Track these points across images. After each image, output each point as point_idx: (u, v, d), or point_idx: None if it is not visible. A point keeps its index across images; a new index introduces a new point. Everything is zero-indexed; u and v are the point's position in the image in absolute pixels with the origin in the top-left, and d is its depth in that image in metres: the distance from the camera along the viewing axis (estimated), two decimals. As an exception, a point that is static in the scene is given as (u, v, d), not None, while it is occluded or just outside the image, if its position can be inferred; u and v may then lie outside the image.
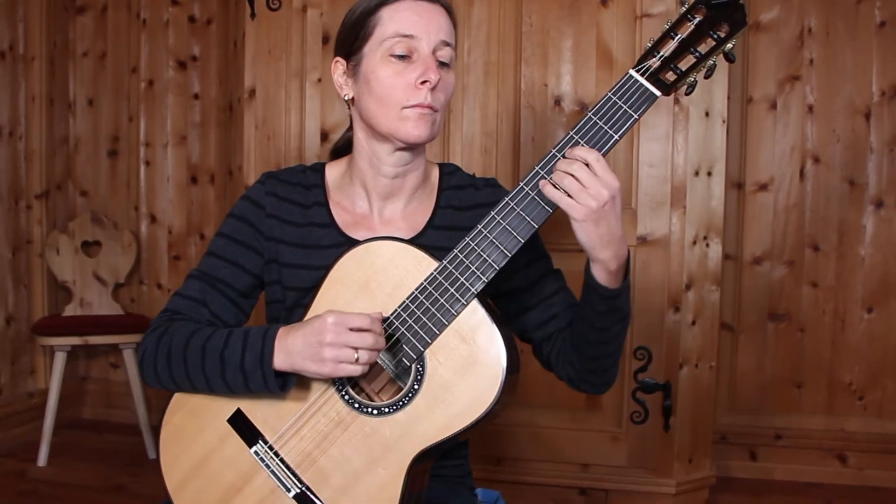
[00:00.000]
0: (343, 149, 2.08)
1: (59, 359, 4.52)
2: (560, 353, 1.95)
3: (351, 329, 1.66)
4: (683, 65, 1.66)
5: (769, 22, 4.34)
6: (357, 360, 1.65)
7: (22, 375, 4.88)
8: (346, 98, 1.96)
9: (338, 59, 1.96)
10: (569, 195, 1.63)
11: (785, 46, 4.35)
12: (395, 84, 1.83)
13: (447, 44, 1.86)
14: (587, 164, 1.63)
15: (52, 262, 4.93)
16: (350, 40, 1.91)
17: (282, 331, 1.74)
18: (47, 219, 5.01)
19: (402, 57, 1.83)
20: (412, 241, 1.79)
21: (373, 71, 1.85)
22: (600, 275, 1.73)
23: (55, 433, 4.53)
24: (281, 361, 1.71)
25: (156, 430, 1.89)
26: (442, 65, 1.85)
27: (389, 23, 1.83)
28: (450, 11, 1.90)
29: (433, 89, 1.82)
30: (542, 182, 1.66)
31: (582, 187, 1.62)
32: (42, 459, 4.47)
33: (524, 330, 2.02)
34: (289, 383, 1.75)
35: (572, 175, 1.63)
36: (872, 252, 4.34)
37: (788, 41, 4.34)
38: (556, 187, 1.64)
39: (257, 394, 1.77)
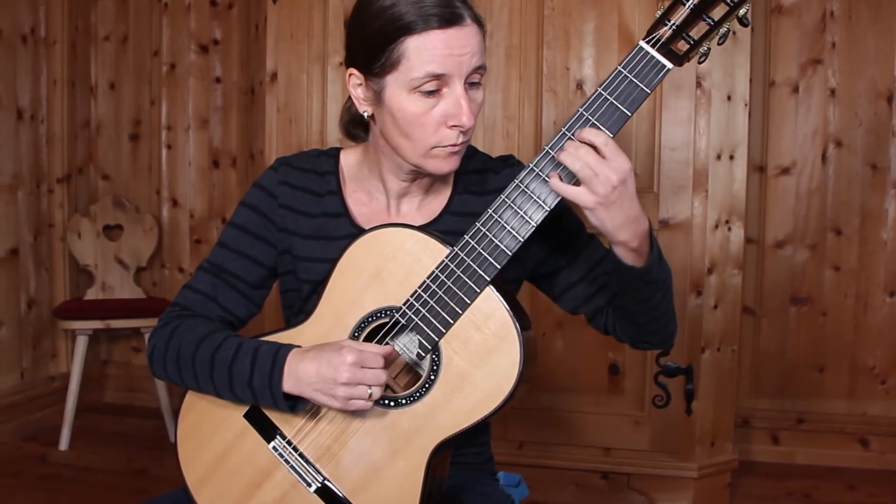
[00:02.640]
0: (357, 120, 1.92)
1: (81, 342, 4.54)
2: (615, 320, 1.91)
3: (366, 367, 1.64)
4: (696, 33, 1.58)
5: (791, 5, 4.31)
6: (370, 395, 1.64)
7: (43, 359, 4.91)
8: (366, 115, 1.81)
9: (352, 72, 1.79)
10: (578, 183, 1.59)
11: (807, 30, 4.32)
12: (424, 123, 1.70)
13: (480, 67, 1.71)
14: (595, 148, 1.58)
15: (74, 246, 4.95)
16: (367, 59, 1.73)
17: (293, 354, 1.71)
18: (69, 202, 5.03)
19: (431, 93, 1.68)
20: (421, 228, 1.74)
21: (399, 107, 1.70)
22: (624, 255, 1.70)
23: (77, 417, 4.56)
24: (290, 386, 1.69)
25: (177, 414, 1.87)
26: (472, 85, 1.72)
27: (417, 59, 1.65)
28: (482, 25, 1.73)
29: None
30: (550, 173, 1.61)
31: (592, 174, 1.57)
32: (64, 443, 4.51)
33: (574, 307, 1.98)
34: (298, 406, 1.74)
35: (580, 161, 1.58)
36: (895, 236, 4.32)
37: (811, 24, 4.31)
38: (562, 179, 1.60)
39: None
